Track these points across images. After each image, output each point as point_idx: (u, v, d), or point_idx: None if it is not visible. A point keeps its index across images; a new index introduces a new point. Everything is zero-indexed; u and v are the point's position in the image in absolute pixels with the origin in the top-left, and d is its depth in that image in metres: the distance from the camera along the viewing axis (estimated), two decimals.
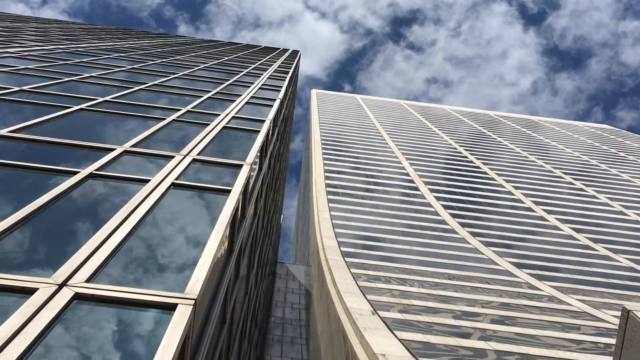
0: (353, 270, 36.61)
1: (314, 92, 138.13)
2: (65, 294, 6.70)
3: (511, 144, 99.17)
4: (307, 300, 49.46)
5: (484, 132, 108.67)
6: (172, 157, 13.74)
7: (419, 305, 30.98)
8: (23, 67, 25.68)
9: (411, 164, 74.23)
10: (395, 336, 25.68)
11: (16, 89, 19.71)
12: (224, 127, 18.69)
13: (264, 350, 39.63)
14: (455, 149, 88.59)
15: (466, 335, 27.14)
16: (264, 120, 20.85)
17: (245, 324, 17.84)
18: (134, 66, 33.06)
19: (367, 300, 30.65)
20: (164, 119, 18.56)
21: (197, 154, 14.35)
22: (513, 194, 65.95)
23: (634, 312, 8.87)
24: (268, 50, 76.29)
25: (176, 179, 11.99)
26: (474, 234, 50.71)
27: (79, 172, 11.44)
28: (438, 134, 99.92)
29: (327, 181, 62.03)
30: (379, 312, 28.75)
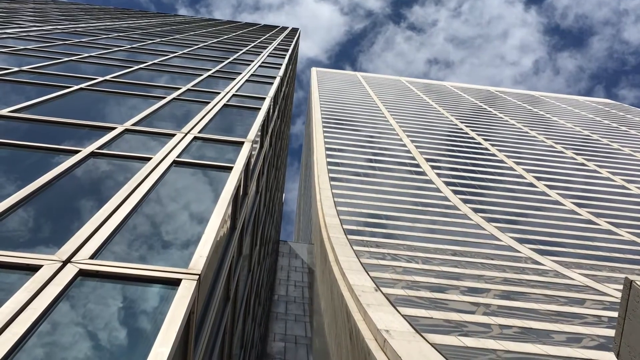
0: (355, 248, 36.71)
1: (314, 70, 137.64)
2: (70, 271, 6.72)
3: (512, 119, 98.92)
4: (310, 278, 49.68)
5: (485, 108, 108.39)
6: (173, 135, 13.72)
7: (421, 282, 31.08)
8: (22, 47, 25.58)
9: (412, 141, 74.15)
10: (399, 312, 25.81)
11: (16, 69, 19.64)
12: (225, 105, 18.64)
13: (267, 328, 39.87)
14: (456, 125, 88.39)
15: (469, 311, 27.27)
16: (265, 98, 20.80)
17: (249, 302, 17.93)
18: (133, 45, 32.92)
19: (370, 277, 30.77)
20: (165, 97, 18.51)
21: (198, 132, 14.32)
22: (514, 170, 65.91)
23: (637, 282, 8.89)
24: (267, 28, 75.89)
25: (178, 156, 11.98)
26: (476, 210, 50.76)
27: (80, 150, 11.43)
28: (439, 111, 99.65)
29: (329, 159, 62.01)
30: (382, 289, 28.86)
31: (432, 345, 22.51)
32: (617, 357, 9.32)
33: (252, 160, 14.25)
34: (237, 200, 11.29)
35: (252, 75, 27.01)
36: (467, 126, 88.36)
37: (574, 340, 24.97)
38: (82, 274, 6.80)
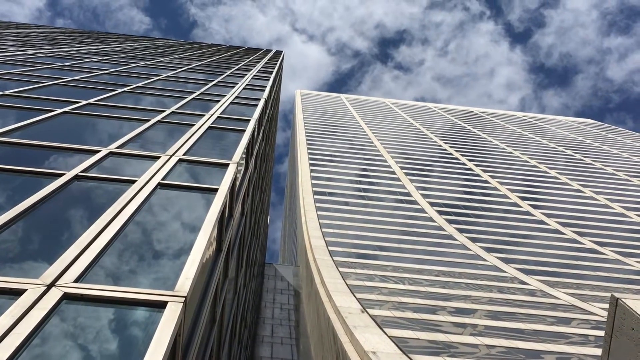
0: (341, 269, 36.63)
1: (298, 92, 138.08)
2: (54, 294, 6.65)
3: (495, 139, 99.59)
4: (296, 300, 49.43)
5: (468, 129, 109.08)
6: (158, 157, 13.68)
7: (408, 303, 31.03)
8: (5, 71, 25.49)
9: (397, 162, 74.39)
10: (385, 333, 25.71)
11: None
12: (210, 127, 18.64)
13: (254, 351, 39.56)
14: (441, 146, 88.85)
15: (456, 331, 27.22)
16: (249, 120, 20.82)
17: (235, 324, 17.80)
18: (117, 69, 32.90)
19: (357, 298, 30.67)
20: (149, 120, 18.48)
21: (183, 154, 14.30)
22: (499, 190, 66.24)
23: (623, 300, 8.94)
24: (251, 51, 76.18)
25: (163, 179, 11.94)
26: (461, 231, 50.88)
27: (64, 174, 11.36)
28: (422, 132, 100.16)
29: (314, 181, 62.03)
30: (369, 310, 28.77)
31: None
32: None
33: (237, 182, 14.22)
34: (222, 222, 11.25)
35: (236, 97, 27.06)
36: (451, 147, 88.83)
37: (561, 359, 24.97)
38: (67, 297, 6.73)
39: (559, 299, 35.46)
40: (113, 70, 32.12)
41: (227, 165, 13.79)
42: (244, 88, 31.09)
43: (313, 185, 60.47)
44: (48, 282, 6.90)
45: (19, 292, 6.60)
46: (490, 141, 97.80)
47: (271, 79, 37.22)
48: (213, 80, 33.06)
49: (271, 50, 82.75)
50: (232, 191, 12.85)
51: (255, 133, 20.74)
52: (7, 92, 20.04)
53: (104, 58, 39.09)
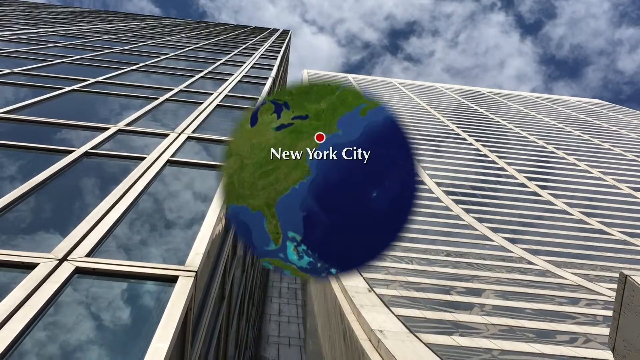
0: None
1: (305, 72, 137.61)
2: (66, 269, 6.71)
3: (503, 120, 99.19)
4: (303, 279, 49.64)
5: (476, 109, 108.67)
6: (167, 135, 13.69)
7: (415, 282, 31.11)
8: (13, 49, 25.49)
9: None
10: (392, 312, 25.80)
11: (7, 71, 19.57)
12: (218, 105, 18.63)
13: (261, 330, 39.84)
14: (448, 125, 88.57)
15: (463, 311, 27.31)
16: (257, 99, 20.80)
17: (242, 302, 17.91)
18: (125, 47, 32.85)
19: (364, 277, 30.76)
20: (157, 98, 18.48)
21: (192, 132, 14.31)
22: (506, 170, 66.10)
23: (631, 276, 8.96)
24: (258, 30, 75.87)
25: (172, 156, 11.96)
26: (468, 211, 50.86)
27: (74, 150, 11.39)
28: (430, 112, 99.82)
29: None
30: (376, 290, 28.86)
31: (426, 344, 22.52)
32: (612, 352, 9.38)
33: None
34: None
35: (244, 76, 27.02)
36: (458, 127, 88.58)
37: (568, 339, 25.04)
38: (79, 271, 6.79)
39: (566, 279, 35.50)
40: (121, 48, 32.08)
41: None
42: (251, 67, 31.02)
43: None
44: (60, 256, 6.95)
45: (31, 266, 6.66)
46: (498, 121, 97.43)
47: (279, 58, 37.12)
48: (221, 59, 33.00)
49: (278, 29, 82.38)
50: None
51: None
52: (15, 70, 20.06)
53: (112, 37, 39.03)
